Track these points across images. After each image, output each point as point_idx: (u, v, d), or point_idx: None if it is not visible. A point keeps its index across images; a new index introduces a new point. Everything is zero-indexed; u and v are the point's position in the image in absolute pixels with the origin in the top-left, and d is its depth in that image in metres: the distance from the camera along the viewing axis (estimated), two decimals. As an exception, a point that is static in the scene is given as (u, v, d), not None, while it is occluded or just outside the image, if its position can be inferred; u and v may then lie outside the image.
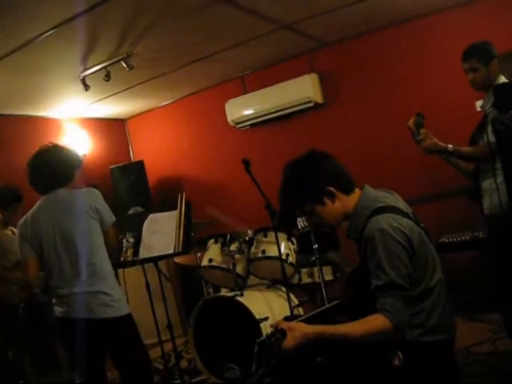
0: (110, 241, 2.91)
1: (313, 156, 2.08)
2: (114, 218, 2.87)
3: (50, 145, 2.89)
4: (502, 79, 3.05)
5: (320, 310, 2.05)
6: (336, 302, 2.10)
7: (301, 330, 1.77)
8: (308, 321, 1.84)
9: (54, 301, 2.82)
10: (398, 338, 1.81)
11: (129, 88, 5.35)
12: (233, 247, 3.84)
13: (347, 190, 2.04)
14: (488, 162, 2.91)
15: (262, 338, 1.76)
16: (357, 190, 2.07)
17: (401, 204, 2.03)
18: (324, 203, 2.01)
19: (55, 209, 2.75)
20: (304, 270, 4.03)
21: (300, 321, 1.80)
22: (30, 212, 2.83)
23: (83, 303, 2.68)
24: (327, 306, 2.15)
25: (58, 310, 2.79)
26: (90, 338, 2.68)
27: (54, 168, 2.78)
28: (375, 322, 1.77)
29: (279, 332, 1.73)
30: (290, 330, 1.76)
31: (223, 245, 3.88)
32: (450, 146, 3.07)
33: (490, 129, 2.82)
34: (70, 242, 2.70)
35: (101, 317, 2.70)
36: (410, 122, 3.13)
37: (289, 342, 1.73)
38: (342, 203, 2.02)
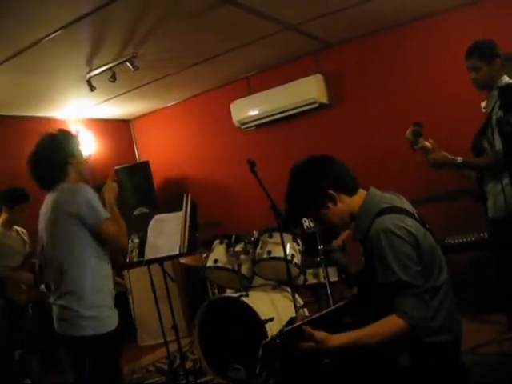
0: (107, 239, 2.54)
1: (312, 162, 2.08)
2: (102, 216, 2.49)
3: (44, 136, 2.66)
4: (506, 79, 2.99)
5: (326, 311, 2.05)
6: (342, 302, 2.10)
7: (332, 344, 1.75)
8: (314, 323, 1.83)
9: None
10: (405, 339, 1.81)
11: (134, 89, 5.37)
12: (238, 248, 3.84)
13: (350, 192, 2.04)
14: (498, 170, 2.82)
15: (267, 340, 1.76)
16: (362, 190, 2.07)
17: (406, 205, 2.03)
18: (326, 207, 2.02)
19: (44, 212, 2.60)
20: (309, 271, 4.03)
21: (306, 323, 1.80)
22: None
23: (55, 315, 2.56)
24: (333, 307, 2.14)
25: None
26: (69, 353, 2.63)
27: (42, 160, 2.59)
28: (391, 324, 1.78)
29: (285, 334, 1.73)
30: (321, 343, 1.75)
31: (228, 245, 3.88)
32: (459, 158, 2.99)
33: (496, 132, 2.79)
34: (49, 251, 2.56)
35: (62, 333, 2.52)
36: (408, 133, 3.03)
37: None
38: (345, 204, 2.03)
